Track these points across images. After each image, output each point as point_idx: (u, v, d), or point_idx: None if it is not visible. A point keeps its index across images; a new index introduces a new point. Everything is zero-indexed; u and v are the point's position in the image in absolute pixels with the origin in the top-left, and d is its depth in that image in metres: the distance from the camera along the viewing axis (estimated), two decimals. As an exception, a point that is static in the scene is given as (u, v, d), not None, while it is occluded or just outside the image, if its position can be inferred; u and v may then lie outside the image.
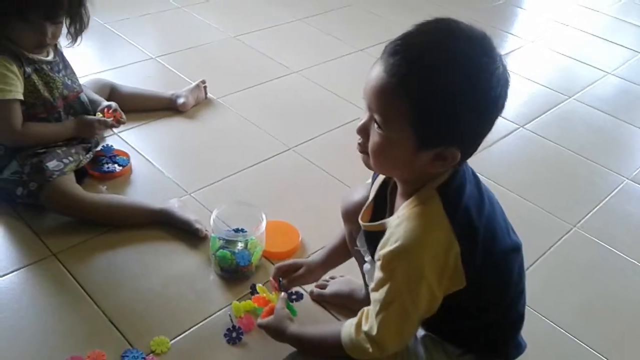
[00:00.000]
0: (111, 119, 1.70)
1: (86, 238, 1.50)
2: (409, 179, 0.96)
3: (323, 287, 1.40)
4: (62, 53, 1.66)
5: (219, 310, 1.34)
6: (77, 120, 1.65)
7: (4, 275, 1.38)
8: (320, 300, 1.39)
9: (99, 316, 1.30)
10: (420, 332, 1.06)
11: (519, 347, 1.10)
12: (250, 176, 1.80)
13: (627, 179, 2.01)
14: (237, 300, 1.36)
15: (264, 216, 1.44)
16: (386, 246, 0.93)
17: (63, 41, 1.62)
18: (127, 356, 1.21)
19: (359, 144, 0.94)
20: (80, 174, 1.66)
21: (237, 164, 1.84)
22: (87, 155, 1.68)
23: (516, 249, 1.03)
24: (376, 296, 0.96)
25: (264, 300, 1.29)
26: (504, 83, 0.86)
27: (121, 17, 2.67)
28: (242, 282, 1.42)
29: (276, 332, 1.16)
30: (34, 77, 1.53)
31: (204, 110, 2.10)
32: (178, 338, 1.27)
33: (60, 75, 1.61)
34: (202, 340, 1.28)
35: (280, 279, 1.32)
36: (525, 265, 1.07)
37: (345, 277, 1.42)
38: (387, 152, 0.90)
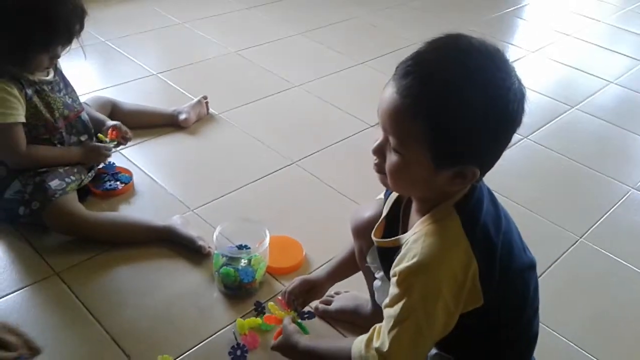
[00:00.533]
0: (113, 143, 1.71)
1: (89, 256, 1.49)
2: (427, 198, 0.95)
3: (328, 302, 1.38)
4: (61, 72, 1.66)
5: (223, 328, 1.33)
6: (84, 146, 1.65)
7: (6, 295, 1.37)
8: (325, 316, 1.37)
9: (102, 335, 1.29)
10: (432, 352, 1.05)
11: (531, 367, 1.08)
12: (253, 191, 1.80)
13: (633, 188, 2.00)
14: (242, 317, 1.34)
15: (267, 232, 1.43)
16: (403, 262, 0.92)
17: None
18: (131, 376, 1.20)
19: (375, 164, 0.93)
20: (83, 192, 1.66)
21: (239, 180, 1.83)
22: (89, 174, 1.68)
23: (532, 266, 1.02)
24: (390, 312, 0.94)
25: (277, 320, 1.27)
26: (521, 97, 0.85)
27: (122, 34, 2.68)
28: (246, 299, 1.40)
29: (287, 347, 1.15)
30: (35, 98, 1.53)
31: (206, 125, 2.10)
32: (182, 356, 1.26)
33: (61, 94, 1.61)
34: (206, 358, 1.26)
35: (294, 301, 1.31)
36: (532, 278, 1.05)
37: (350, 292, 1.41)
38: (404, 173, 0.89)
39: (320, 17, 3.08)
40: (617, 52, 3.07)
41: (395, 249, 0.97)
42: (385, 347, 0.94)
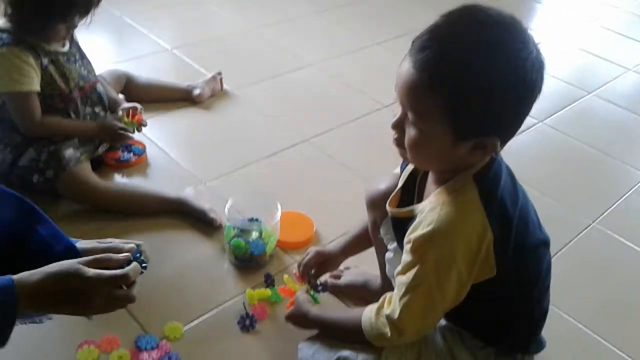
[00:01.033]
0: (134, 126, 1.71)
1: (101, 226, 1.50)
2: (446, 170, 0.94)
3: (337, 277, 1.39)
4: (77, 43, 1.66)
5: (232, 298, 1.34)
6: (101, 123, 1.65)
7: (19, 261, 1.39)
8: (335, 290, 1.37)
9: (113, 302, 1.30)
10: (441, 323, 1.05)
11: (540, 344, 1.08)
12: (265, 167, 1.80)
13: (647, 175, 1.98)
14: (251, 288, 1.35)
15: (279, 206, 1.43)
16: (418, 229, 0.92)
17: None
18: (141, 341, 1.21)
19: (395, 139, 0.93)
20: (96, 163, 1.67)
21: (252, 155, 1.83)
22: (103, 144, 1.68)
23: (546, 243, 1.02)
24: (402, 279, 0.94)
25: (290, 292, 1.28)
26: (539, 66, 0.84)
27: (137, 9, 2.68)
28: (256, 271, 1.41)
29: (299, 316, 1.16)
30: (51, 68, 1.53)
31: (220, 101, 2.10)
32: (191, 324, 1.27)
33: (76, 65, 1.61)
34: (215, 327, 1.27)
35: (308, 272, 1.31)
36: (544, 260, 1.05)
37: (359, 268, 1.41)
38: (424, 147, 0.89)
39: (337, -3, 3.06)
40: (636, 39, 3.02)
41: (409, 219, 0.96)
42: (396, 314, 0.94)
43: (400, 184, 1.08)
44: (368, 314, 1.01)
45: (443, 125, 0.85)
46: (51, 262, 0.85)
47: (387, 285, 1.22)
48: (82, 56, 1.67)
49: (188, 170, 1.75)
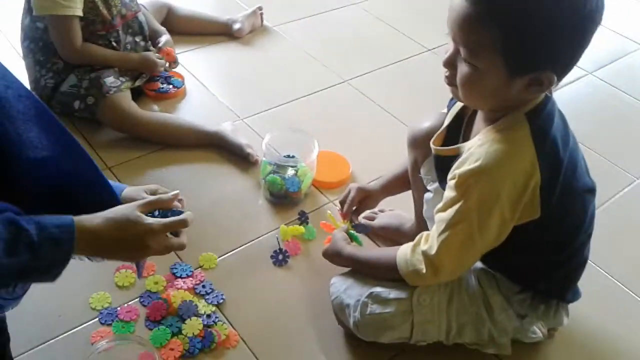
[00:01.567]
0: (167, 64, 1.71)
1: (139, 155, 1.52)
2: (498, 108, 0.92)
3: (371, 219, 1.38)
4: (121, -29, 1.64)
5: (266, 233, 1.35)
6: (142, 55, 1.64)
7: (61, 185, 1.42)
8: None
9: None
10: (476, 266, 1.04)
11: (576, 293, 1.07)
12: (303, 106, 1.78)
13: (699, 133, 1.89)
14: (285, 224, 1.36)
15: (316, 144, 1.42)
16: (464, 165, 0.90)
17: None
18: (176, 269, 1.24)
19: (446, 76, 0.91)
20: (135, 93, 1.67)
21: (290, 94, 1.81)
22: (143, 75, 1.68)
23: (592, 190, 1.00)
24: (443, 216, 0.93)
25: (331, 227, 1.27)
26: None
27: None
28: (290, 208, 1.41)
29: (333, 253, 1.16)
30: (94, -6, 1.52)
31: (259, 37, 2.07)
32: (225, 256, 1.29)
33: (119, -8, 1.60)
34: (248, 259, 1.29)
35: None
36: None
37: (394, 210, 1.40)
38: (477, 84, 0.87)
39: None
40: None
41: (454, 157, 0.95)
42: (433, 250, 0.94)
43: (446, 123, 1.05)
44: (404, 250, 1.01)
45: (496, 61, 0.82)
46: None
47: (421, 228, 1.21)
48: (125, -16, 1.65)
49: (226, 104, 1.74)
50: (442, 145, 1.02)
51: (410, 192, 1.26)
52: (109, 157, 1.50)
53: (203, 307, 1.16)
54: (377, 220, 1.38)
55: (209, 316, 1.15)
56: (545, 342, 1.15)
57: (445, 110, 1.09)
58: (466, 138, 0.99)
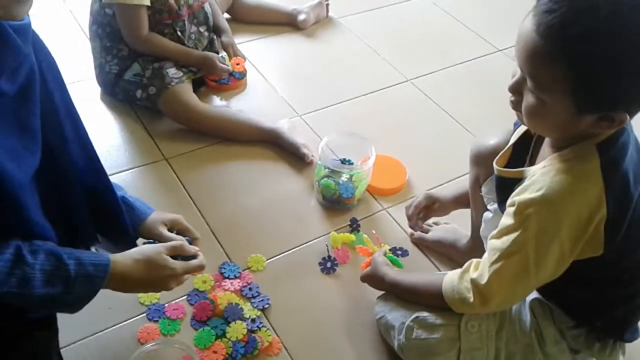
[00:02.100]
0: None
1: (197, 147, 1.53)
2: (567, 139, 0.87)
3: (426, 231, 1.34)
4: (189, -39, 1.63)
5: (316, 238, 1.33)
6: (205, 55, 1.64)
7: (119, 172, 1.44)
8: (420, 243, 1.34)
9: (201, 225, 1.33)
10: (530, 295, 0.99)
11: (635, 332, 1.01)
12: (363, 105, 1.74)
13: None
14: (336, 231, 1.34)
15: (374, 150, 1.38)
16: (525, 192, 0.86)
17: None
18: (225, 268, 1.24)
19: (511, 101, 0.87)
20: (197, 83, 1.67)
21: (351, 91, 1.77)
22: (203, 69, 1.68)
23: None
24: (497, 244, 0.89)
25: (368, 252, 1.23)
26: None
27: None
28: (342, 214, 1.39)
29: (375, 278, 1.13)
30: (162, -17, 1.52)
31: (324, 29, 2.03)
32: (274, 259, 1.28)
33: (188, -17, 1.60)
34: (296, 264, 1.28)
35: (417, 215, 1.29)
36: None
37: (450, 224, 1.35)
38: (542, 117, 0.83)
39: None
40: None
41: (517, 180, 0.90)
42: (484, 280, 0.90)
43: (512, 141, 1.00)
44: (450, 276, 0.97)
45: (564, 98, 0.77)
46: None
47: (476, 246, 1.17)
48: (193, -26, 1.65)
49: (285, 99, 1.72)
50: (505, 166, 0.97)
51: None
52: (167, 148, 1.52)
53: (248, 310, 1.16)
54: (432, 233, 1.34)
55: (253, 321, 1.15)
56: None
57: (511, 128, 1.04)
58: (532, 161, 0.95)
